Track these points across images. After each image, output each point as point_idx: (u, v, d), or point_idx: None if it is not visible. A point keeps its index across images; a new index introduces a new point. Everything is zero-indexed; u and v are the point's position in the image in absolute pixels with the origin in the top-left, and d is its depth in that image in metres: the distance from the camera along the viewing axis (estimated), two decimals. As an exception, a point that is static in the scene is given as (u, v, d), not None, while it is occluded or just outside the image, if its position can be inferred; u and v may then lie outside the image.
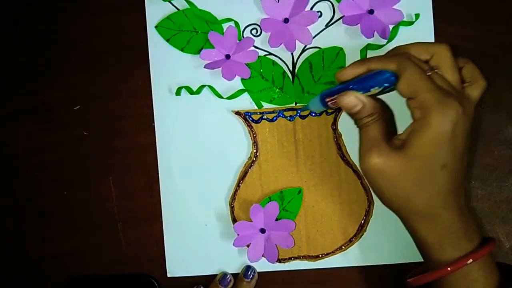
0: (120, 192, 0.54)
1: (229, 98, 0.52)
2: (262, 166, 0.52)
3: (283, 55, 0.52)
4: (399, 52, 0.42)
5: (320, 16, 0.52)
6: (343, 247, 0.52)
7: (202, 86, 0.52)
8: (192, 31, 0.52)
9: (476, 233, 0.42)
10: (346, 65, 0.44)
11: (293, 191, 0.52)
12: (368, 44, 0.51)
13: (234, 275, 0.53)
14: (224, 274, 0.52)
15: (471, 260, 0.41)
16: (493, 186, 0.52)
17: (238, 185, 0.52)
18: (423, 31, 0.51)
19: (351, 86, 0.42)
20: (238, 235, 0.51)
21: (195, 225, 0.53)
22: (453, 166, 0.40)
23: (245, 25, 0.52)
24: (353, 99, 0.41)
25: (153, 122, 0.53)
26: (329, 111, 0.51)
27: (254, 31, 0.52)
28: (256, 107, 0.52)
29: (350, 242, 0.52)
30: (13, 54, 0.54)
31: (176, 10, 0.52)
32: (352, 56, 0.51)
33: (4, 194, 0.54)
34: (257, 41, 0.52)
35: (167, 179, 0.53)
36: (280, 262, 0.53)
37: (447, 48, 0.42)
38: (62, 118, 0.54)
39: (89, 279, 0.54)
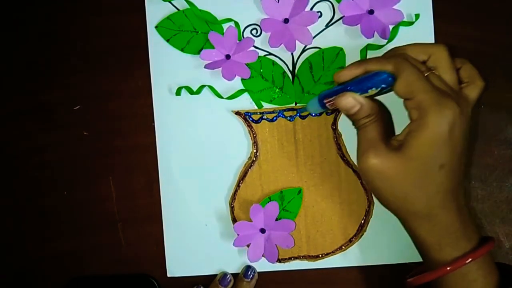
0: (120, 192, 0.54)
1: (229, 98, 0.52)
2: (262, 166, 0.52)
3: (283, 55, 0.52)
4: (396, 53, 0.43)
5: (320, 16, 0.52)
6: (343, 247, 0.52)
7: (202, 86, 0.52)
8: (192, 31, 0.52)
9: (475, 233, 0.42)
10: (346, 66, 0.45)
11: (293, 191, 0.52)
12: (368, 44, 0.51)
13: (234, 275, 0.53)
14: (224, 274, 0.52)
15: (470, 260, 0.41)
16: (493, 186, 0.52)
17: (238, 185, 0.52)
18: (423, 31, 0.51)
19: (349, 87, 0.42)
20: (238, 235, 0.51)
21: (195, 225, 0.53)
22: (451, 166, 0.40)
23: (245, 25, 0.52)
24: (351, 100, 0.41)
25: (153, 122, 0.53)
26: (329, 111, 0.51)
27: (254, 31, 0.52)
28: (256, 107, 0.52)
29: (350, 242, 0.52)
30: (13, 54, 0.54)
31: (176, 10, 0.52)
32: (352, 56, 0.51)
33: (4, 194, 0.54)
34: (257, 41, 0.52)
35: (167, 179, 0.53)
36: (280, 262, 0.53)
37: (445, 48, 0.42)
38: (62, 118, 0.54)
39: (89, 279, 0.54)
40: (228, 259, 0.53)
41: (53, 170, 0.54)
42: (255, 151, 0.52)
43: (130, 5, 0.53)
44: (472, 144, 0.52)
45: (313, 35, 0.52)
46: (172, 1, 0.52)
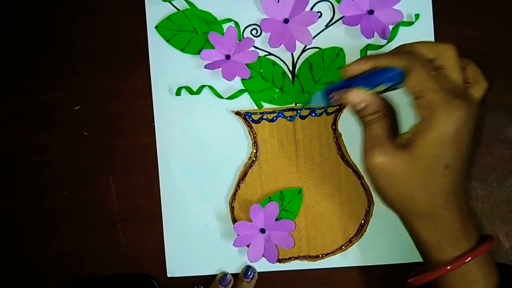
0: (120, 192, 0.54)
1: (229, 98, 0.52)
2: (262, 166, 0.52)
3: (283, 55, 0.52)
4: (405, 51, 0.42)
5: (320, 16, 0.52)
6: (343, 247, 0.52)
7: (202, 86, 0.52)
8: (192, 32, 0.52)
9: (475, 232, 0.42)
10: (354, 60, 0.44)
11: (293, 191, 0.52)
12: (368, 45, 0.51)
13: (234, 275, 0.53)
14: (224, 274, 0.52)
15: (469, 258, 0.41)
16: (493, 186, 0.52)
17: (238, 185, 0.52)
18: (423, 31, 0.51)
19: (356, 83, 0.41)
20: (238, 235, 0.51)
21: (195, 225, 0.53)
22: (455, 166, 0.40)
23: (245, 26, 0.52)
24: (358, 95, 0.41)
25: (153, 122, 0.53)
26: (329, 110, 0.51)
27: (254, 32, 0.52)
28: (256, 107, 0.52)
29: (350, 242, 0.52)
30: (13, 54, 0.54)
31: (176, 10, 0.52)
32: (352, 56, 0.51)
33: (4, 194, 0.54)
34: (257, 42, 0.52)
35: (167, 179, 0.53)
36: (280, 262, 0.53)
37: (453, 48, 0.41)
38: (62, 118, 0.54)
39: (89, 279, 0.54)
40: (228, 259, 0.53)
41: (53, 170, 0.54)
42: (255, 151, 0.52)
43: (130, 5, 0.53)
44: (476, 145, 0.52)
45: (313, 35, 0.52)
46: (172, 1, 0.52)
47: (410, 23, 0.51)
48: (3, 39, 0.54)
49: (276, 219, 0.51)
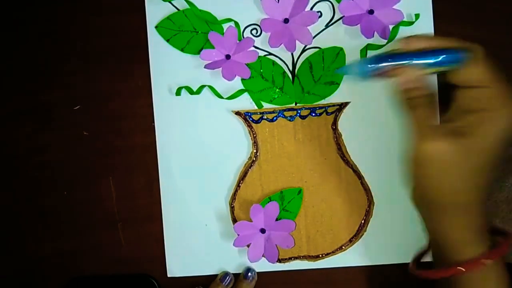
0: (120, 192, 0.54)
1: (229, 98, 0.52)
2: (262, 166, 0.52)
3: (283, 55, 0.52)
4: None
5: (320, 16, 0.52)
6: (343, 247, 0.52)
7: (202, 86, 0.52)
8: (192, 31, 0.52)
9: (487, 234, 0.41)
10: (415, 35, 0.41)
11: (293, 191, 0.52)
12: (368, 44, 0.51)
13: (235, 276, 0.53)
14: (226, 273, 0.52)
15: (488, 260, 0.39)
16: (493, 186, 0.52)
17: (238, 185, 0.52)
18: (423, 31, 0.51)
19: (411, 59, 0.38)
20: (238, 235, 0.51)
21: (195, 225, 0.53)
22: (498, 161, 0.39)
23: (245, 25, 0.52)
24: (414, 74, 0.38)
25: (153, 122, 0.53)
26: (329, 110, 0.51)
27: (254, 31, 0.52)
28: (256, 107, 0.52)
29: (350, 242, 0.52)
30: (13, 54, 0.54)
31: (176, 10, 0.52)
32: (352, 56, 0.51)
33: (4, 194, 0.54)
34: (257, 41, 0.52)
35: (167, 179, 0.53)
36: (280, 262, 0.53)
37: (482, 49, 0.41)
38: (62, 118, 0.54)
39: (89, 279, 0.54)
40: (228, 259, 0.53)
41: (53, 170, 0.54)
42: (255, 151, 0.52)
43: (130, 5, 0.53)
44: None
45: (313, 35, 0.52)
46: (172, 1, 0.52)
47: (410, 23, 0.51)
48: (3, 39, 0.54)
49: (276, 219, 0.51)
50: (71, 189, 0.54)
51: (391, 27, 0.51)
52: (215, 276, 0.53)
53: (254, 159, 0.52)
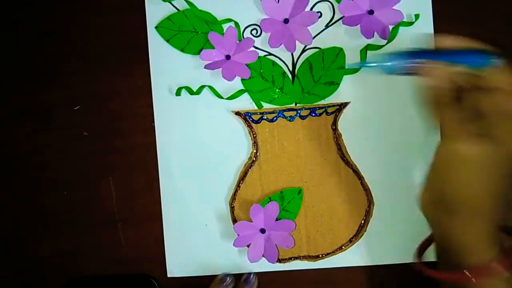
0: (120, 192, 0.54)
1: (229, 98, 0.52)
2: (262, 166, 0.52)
3: (283, 56, 0.52)
4: None
5: (320, 16, 0.52)
6: (343, 247, 0.52)
7: (202, 87, 0.52)
8: (192, 32, 0.52)
9: (497, 240, 0.40)
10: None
11: (293, 191, 0.52)
12: (368, 45, 0.51)
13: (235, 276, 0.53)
14: (225, 275, 0.52)
15: (500, 268, 0.38)
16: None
17: (238, 185, 0.52)
18: (423, 31, 0.51)
19: (441, 57, 0.38)
20: (238, 235, 0.51)
21: (195, 225, 0.53)
22: None
23: (245, 26, 0.52)
24: (445, 72, 0.38)
25: (153, 122, 0.53)
26: (329, 111, 0.51)
27: (254, 32, 0.52)
28: (256, 107, 0.52)
29: (350, 242, 0.52)
30: (13, 54, 0.54)
31: (176, 10, 0.52)
32: (352, 56, 0.51)
33: (4, 194, 0.54)
34: (257, 42, 0.52)
35: (167, 179, 0.53)
36: (280, 262, 0.53)
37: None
38: (62, 118, 0.54)
39: (89, 279, 0.54)
40: (228, 259, 0.53)
41: (53, 170, 0.54)
42: (255, 151, 0.52)
43: (130, 5, 0.53)
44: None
45: (313, 35, 0.52)
46: (172, 1, 0.52)
47: (410, 23, 0.51)
48: (3, 39, 0.54)
49: (276, 219, 0.51)
50: (71, 189, 0.54)
51: (391, 27, 0.51)
52: (215, 276, 0.53)
53: (254, 159, 0.52)
